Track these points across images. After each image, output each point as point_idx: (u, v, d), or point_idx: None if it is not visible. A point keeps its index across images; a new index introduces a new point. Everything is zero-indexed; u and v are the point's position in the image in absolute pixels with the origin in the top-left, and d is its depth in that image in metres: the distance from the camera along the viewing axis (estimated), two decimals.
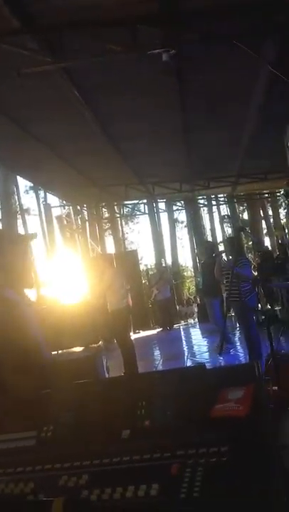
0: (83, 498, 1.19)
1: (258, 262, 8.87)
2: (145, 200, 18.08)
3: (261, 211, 22.85)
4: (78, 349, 4.11)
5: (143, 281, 16.26)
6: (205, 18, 4.95)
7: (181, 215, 28.22)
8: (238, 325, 9.63)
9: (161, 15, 4.83)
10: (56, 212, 14.72)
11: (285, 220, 27.13)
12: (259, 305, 10.52)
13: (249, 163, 11.23)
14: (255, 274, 10.57)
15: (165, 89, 6.94)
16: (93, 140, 8.84)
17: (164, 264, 16.43)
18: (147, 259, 29.62)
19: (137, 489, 1.18)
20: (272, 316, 6.41)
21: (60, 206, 14.66)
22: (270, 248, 16.69)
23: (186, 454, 1.32)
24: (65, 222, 15.25)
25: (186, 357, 9.14)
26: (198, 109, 7.77)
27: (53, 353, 3.87)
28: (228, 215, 5.90)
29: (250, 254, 15.64)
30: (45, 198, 13.24)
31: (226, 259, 7.61)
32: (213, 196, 17.39)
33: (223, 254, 7.65)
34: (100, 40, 4.93)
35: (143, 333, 13.25)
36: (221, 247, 9.07)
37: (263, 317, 6.72)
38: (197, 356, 9.02)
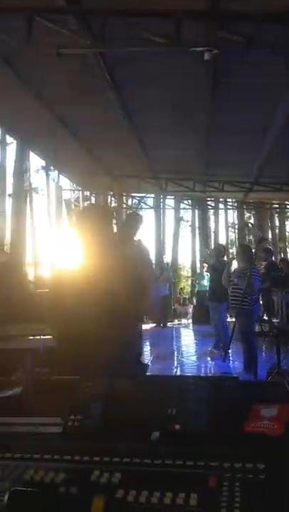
0: (119, 498, 1.17)
1: (263, 272, 8.85)
2: (153, 195, 18.03)
3: (269, 221, 22.84)
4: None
5: None
6: (250, 22, 4.89)
7: (187, 214, 28.24)
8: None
9: (208, 13, 4.78)
10: (66, 195, 14.69)
11: None
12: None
13: (266, 171, 11.19)
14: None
15: (197, 87, 6.90)
16: (115, 128, 8.79)
17: (165, 262, 16.41)
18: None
19: (176, 496, 1.16)
20: (282, 329, 6.38)
21: (71, 190, 14.59)
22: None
23: (221, 466, 1.31)
24: (73, 206, 15.20)
25: (176, 357, 9.14)
26: (225, 111, 7.73)
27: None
28: (251, 223, 5.81)
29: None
30: (58, 179, 13.20)
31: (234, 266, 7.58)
32: (221, 200, 17.35)
33: (234, 261, 7.62)
34: (143, 30, 4.87)
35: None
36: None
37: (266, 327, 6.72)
38: (189, 358, 9.01)
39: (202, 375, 2.22)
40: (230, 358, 8.09)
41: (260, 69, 6.08)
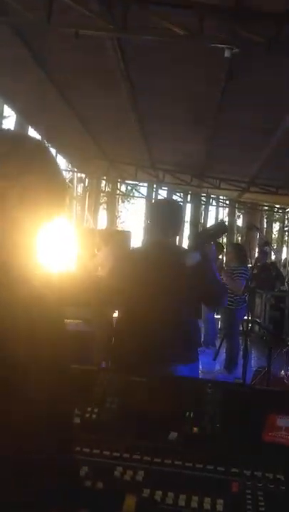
0: (146, 498, 1.18)
1: (255, 273, 8.91)
2: (146, 184, 17.98)
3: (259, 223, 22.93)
4: (79, 321, 4.08)
5: None
6: (274, 22, 4.86)
7: None
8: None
9: (233, 10, 4.74)
10: None
11: (276, 236, 27.37)
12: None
13: (264, 173, 11.21)
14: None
15: (208, 81, 6.86)
16: (121, 115, 8.71)
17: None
18: (135, 242, 29.52)
19: (202, 501, 1.17)
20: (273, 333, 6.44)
21: (67, 171, 14.46)
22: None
23: (242, 473, 1.32)
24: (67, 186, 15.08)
25: None
26: (233, 108, 7.68)
27: None
28: (257, 227, 5.79)
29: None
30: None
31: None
32: (214, 196, 17.37)
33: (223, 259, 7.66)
34: (165, 20, 4.82)
35: None
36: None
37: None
38: None
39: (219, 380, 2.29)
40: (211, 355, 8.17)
41: (276, 70, 6.05)
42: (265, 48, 4.66)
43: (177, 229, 3.00)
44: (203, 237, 2.93)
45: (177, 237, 3.11)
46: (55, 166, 0.95)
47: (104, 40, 5.88)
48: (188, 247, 2.85)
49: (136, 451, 1.39)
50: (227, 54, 4.74)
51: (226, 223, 3.99)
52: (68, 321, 4.07)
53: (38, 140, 0.99)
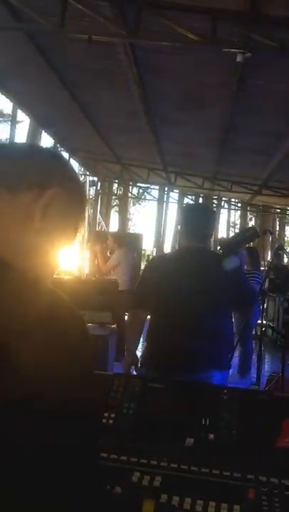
0: (163, 503, 1.19)
1: (272, 278, 8.85)
2: (157, 187, 18.02)
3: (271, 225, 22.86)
4: (94, 325, 4.11)
5: (142, 267, 16.25)
6: (286, 27, 4.87)
7: None
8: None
9: (246, 15, 4.76)
10: None
11: None
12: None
13: (277, 175, 11.19)
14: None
15: (220, 85, 6.87)
16: (133, 119, 8.76)
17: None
18: (146, 244, 29.60)
19: (219, 507, 1.19)
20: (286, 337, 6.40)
21: (81, 174, 14.54)
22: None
23: (257, 479, 1.34)
24: None
25: None
26: (245, 112, 7.69)
27: None
28: (270, 231, 5.77)
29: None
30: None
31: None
32: (225, 199, 17.35)
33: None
34: (177, 25, 4.84)
35: None
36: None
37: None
38: None
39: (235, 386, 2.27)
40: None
41: (288, 75, 6.05)
42: (280, 52, 4.65)
43: (211, 234, 2.96)
44: (236, 242, 2.90)
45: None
46: (76, 179, 0.97)
47: (116, 45, 5.94)
48: (223, 251, 2.79)
49: (153, 457, 1.41)
50: (239, 59, 4.75)
51: (256, 229, 3.94)
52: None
53: (57, 152, 1.02)
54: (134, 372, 2.93)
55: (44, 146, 1.03)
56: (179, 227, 3.04)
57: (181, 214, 3.16)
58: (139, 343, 3.01)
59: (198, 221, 2.88)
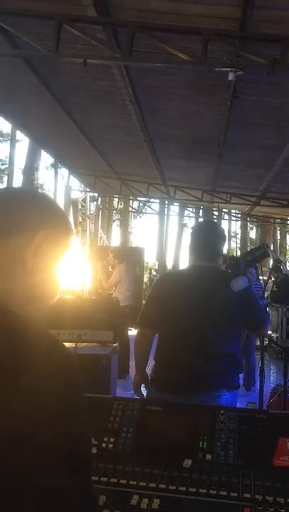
0: None
1: (275, 290, 8.89)
2: (158, 200, 18.15)
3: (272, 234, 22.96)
4: (95, 345, 4.15)
5: (145, 280, 16.31)
6: (278, 44, 4.96)
7: (190, 221, 28.34)
8: None
9: (236, 34, 4.86)
10: (73, 194, 14.79)
11: None
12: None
13: (275, 186, 11.28)
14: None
15: (214, 102, 6.98)
16: (131, 136, 8.88)
17: (168, 267, 16.51)
18: (148, 257, 29.75)
19: None
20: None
21: (80, 191, 14.67)
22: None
23: (253, 498, 1.38)
24: (80, 206, 15.28)
25: None
26: (241, 126, 7.80)
27: (71, 345, 3.91)
28: (266, 245, 5.81)
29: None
30: (68, 180, 13.30)
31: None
32: (226, 210, 17.46)
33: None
34: (170, 46, 4.94)
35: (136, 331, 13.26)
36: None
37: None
38: None
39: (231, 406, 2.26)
40: None
41: (281, 89, 6.15)
42: (269, 70, 4.74)
43: (220, 252, 2.91)
44: (246, 261, 2.88)
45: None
46: (63, 218, 1.03)
47: (111, 66, 6.05)
48: (232, 271, 2.76)
49: (152, 480, 1.45)
50: (231, 77, 4.84)
51: (266, 246, 3.85)
52: (84, 344, 4.14)
53: (46, 194, 1.07)
54: (144, 390, 2.95)
55: (30, 188, 1.08)
56: (189, 245, 3.03)
57: (191, 233, 3.15)
58: (148, 361, 3.00)
59: (207, 239, 2.87)
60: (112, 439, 1.62)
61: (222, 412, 1.66)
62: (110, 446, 1.61)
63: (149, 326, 2.89)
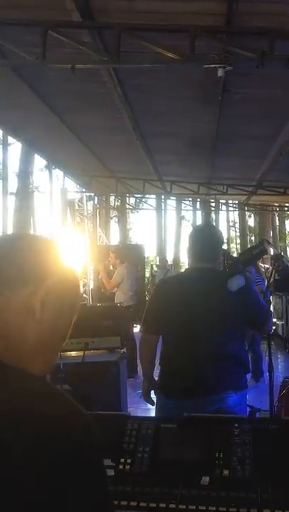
0: None
1: (277, 279, 8.88)
2: (154, 196, 18.12)
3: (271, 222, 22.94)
4: (102, 352, 4.15)
5: (146, 276, 16.30)
6: (265, 37, 4.93)
7: (188, 213, 28.32)
8: None
9: (223, 29, 4.84)
10: (69, 196, 14.76)
11: None
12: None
13: (271, 175, 11.26)
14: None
15: (205, 97, 6.95)
16: (123, 135, 8.86)
17: (169, 263, 16.51)
18: (148, 252, 29.72)
19: None
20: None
21: (76, 192, 14.66)
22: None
23: None
24: (77, 206, 15.26)
25: None
26: (235, 119, 7.79)
27: (78, 354, 3.92)
28: (267, 240, 5.76)
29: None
30: (63, 181, 13.29)
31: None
32: (223, 201, 17.45)
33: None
34: (157, 45, 4.91)
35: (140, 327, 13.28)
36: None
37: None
38: None
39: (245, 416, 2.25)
40: None
41: (271, 81, 6.13)
42: (258, 63, 4.72)
43: (218, 254, 2.92)
44: (244, 260, 2.89)
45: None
46: (68, 265, 1.01)
47: (99, 69, 6.01)
48: (230, 271, 2.78)
49: (172, 500, 1.46)
50: (220, 73, 4.83)
51: (264, 244, 3.84)
52: (92, 351, 4.15)
53: (45, 238, 1.05)
54: (154, 396, 2.97)
55: (35, 234, 1.07)
56: (187, 248, 3.06)
57: (188, 236, 3.18)
58: (154, 366, 3.00)
59: (204, 242, 2.90)
60: (128, 460, 1.62)
61: (236, 425, 1.66)
62: (127, 467, 1.61)
63: (151, 331, 2.91)
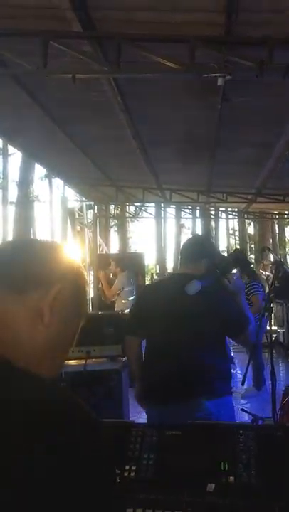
0: None
1: (278, 286, 8.90)
2: (153, 204, 18.15)
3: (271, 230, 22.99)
4: (103, 360, 4.16)
5: (146, 284, 16.28)
6: (264, 46, 4.97)
7: (187, 221, 28.37)
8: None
9: (223, 39, 4.88)
10: (69, 204, 14.81)
11: None
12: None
13: (270, 183, 11.30)
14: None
15: (204, 106, 7.00)
16: (123, 144, 8.89)
17: (168, 271, 16.53)
18: (148, 260, 29.74)
19: None
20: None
21: (76, 201, 14.70)
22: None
23: None
24: (76, 215, 15.28)
25: None
26: (233, 127, 7.83)
27: (80, 362, 3.92)
28: (269, 248, 5.76)
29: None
30: (63, 190, 13.35)
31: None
32: (223, 209, 17.48)
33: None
34: (157, 55, 4.95)
35: None
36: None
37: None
38: None
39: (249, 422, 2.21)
40: (237, 370, 8.14)
41: (271, 89, 6.18)
42: (257, 73, 4.75)
43: (197, 259, 2.93)
44: (222, 268, 2.91)
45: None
46: (77, 268, 1.03)
47: (100, 78, 6.05)
48: (203, 277, 2.80)
49: (177, 507, 1.46)
50: (220, 82, 4.86)
51: (241, 252, 3.88)
52: (93, 360, 4.14)
53: (54, 243, 1.06)
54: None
55: (43, 239, 1.08)
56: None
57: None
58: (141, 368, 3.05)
59: (187, 248, 3.03)
60: (133, 467, 1.63)
61: (241, 432, 1.67)
62: (132, 474, 1.61)
63: (133, 333, 3.01)
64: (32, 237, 16.91)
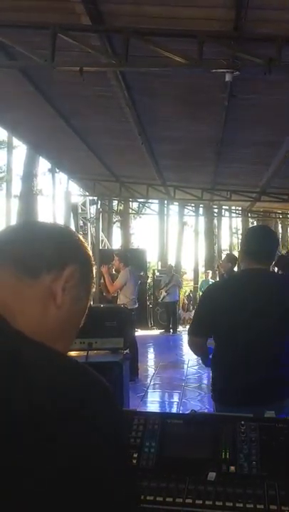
0: None
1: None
2: (156, 200, 18.17)
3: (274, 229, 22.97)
4: (105, 353, 4.17)
5: (148, 281, 16.31)
6: (273, 44, 4.97)
7: (190, 219, 28.36)
8: None
9: (231, 35, 4.87)
10: (73, 199, 14.81)
11: None
12: None
13: (275, 181, 11.29)
14: None
15: (211, 102, 7.00)
16: (129, 139, 8.90)
17: (173, 267, 16.55)
18: (150, 257, 29.74)
19: None
20: None
21: (80, 195, 14.69)
22: None
23: (280, 509, 1.39)
24: (80, 210, 15.30)
25: (186, 365, 9.18)
26: (240, 125, 7.82)
27: (81, 354, 3.93)
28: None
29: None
30: (67, 184, 13.35)
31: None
32: (226, 207, 17.48)
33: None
34: (165, 50, 4.95)
35: (141, 332, 13.31)
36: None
37: None
38: (197, 367, 9.05)
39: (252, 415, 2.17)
40: None
41: (277, 87, 6.17)
42: (265, 70, 4.75)
43: (273, 256, 2.87)
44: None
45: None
46: (86, 250, 1.04)
47: (107, 72, 6.06)
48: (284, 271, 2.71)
49: (178, 495, 1.47)
50: (228, 78, 4.86)
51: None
52: (95, 352, 4.16)
53: (65, 226, 1.08)
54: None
55: (54, 223, 1.09)
56: (241, 250, 2.98)
57: (244, 237, 3.09)
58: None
59: (262, 243, 2.81)
60: (135, 455, 1.63)
61: (242, 422, 1.67)
62: (134, 462, 1.62)
63: (198, 335, 2.84)
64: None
